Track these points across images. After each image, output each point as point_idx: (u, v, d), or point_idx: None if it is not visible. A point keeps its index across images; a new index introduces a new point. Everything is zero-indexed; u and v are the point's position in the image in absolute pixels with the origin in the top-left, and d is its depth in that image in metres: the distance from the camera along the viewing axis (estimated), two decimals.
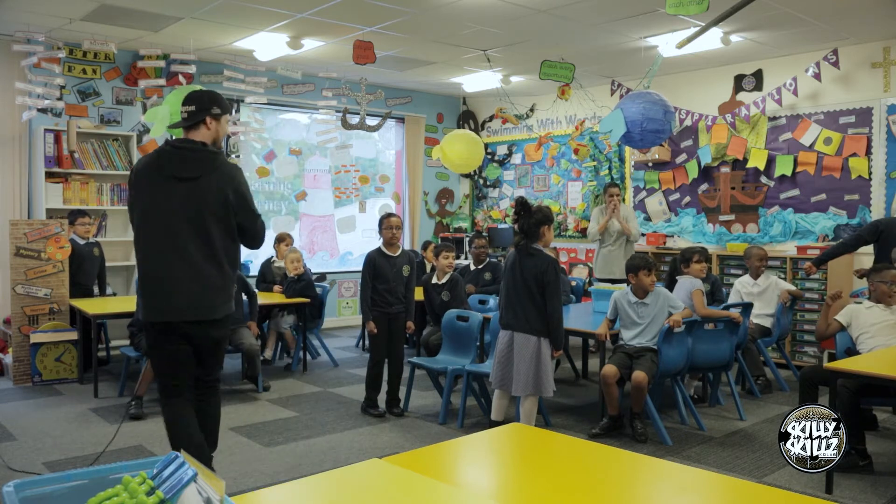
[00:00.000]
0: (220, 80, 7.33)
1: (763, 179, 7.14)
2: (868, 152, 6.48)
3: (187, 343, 3.23)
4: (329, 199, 8.94)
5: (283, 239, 7.00)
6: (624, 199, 8.26)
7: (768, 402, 5.43)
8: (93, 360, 5.60)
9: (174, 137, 3.67)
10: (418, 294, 5.60)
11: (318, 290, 6.73)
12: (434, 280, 5.96)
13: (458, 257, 7.44)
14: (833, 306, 4.54)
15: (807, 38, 6.33)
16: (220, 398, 3.53)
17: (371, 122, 8.12)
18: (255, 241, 3.35)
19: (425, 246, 7.77)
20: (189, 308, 3.15)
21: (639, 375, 4.38)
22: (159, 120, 5.40)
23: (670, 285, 5.28)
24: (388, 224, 5.00)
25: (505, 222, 9.40)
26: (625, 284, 4.92)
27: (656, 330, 4.58)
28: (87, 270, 6.30)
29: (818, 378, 4.20)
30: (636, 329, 4.66)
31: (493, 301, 5.76)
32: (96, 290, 6.43)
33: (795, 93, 6.80)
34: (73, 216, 6.28)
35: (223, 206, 3.15)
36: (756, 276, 5.93)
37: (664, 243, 7.74)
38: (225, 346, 3.47)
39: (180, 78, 6.91)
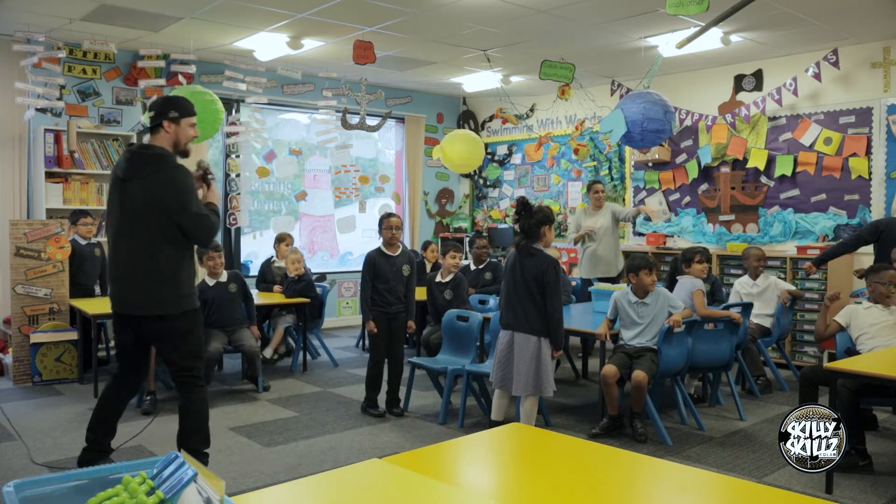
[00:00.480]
0: (220, 80, 7.34)
1: (763, 179, 7.14)
2: (868, 152, 6.48)
3: (134, 334, 3.54)
4: (329, 199, 8.93)
5: (283, 239, 7.00)
6: (624, 200, 8.28)
7: (768, 402, 5.43)
8: (93, 360, 5.60)
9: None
10: (419, 294, 5.60)
11: (318, 290, 6.72)
12: (438, 278, 5.96)
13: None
14: (832, 307, 4.54)
15: (807, 38, 6.33)
16: (205, 396, 3.61)
17: (371, 122, 8.12)
18: (201, 242, 3.51)
19: (425, 246, 7.77)
20: (130, 302, 3.46)
21: (639, 375, 4.38)
22: None
23: (671, 285, 5.28)
24: (387, 224, 5.00)
25: (505, 222, 9.40)
26: (615, 283, 4.93)
27: (656, 330, 4.58)
28: (87, 271, 6.30)
29: (818, 378, 4.20)
30: (636, 329, 4.65)
31: (493, 301, 5.76)
32: (98, 290, 6.43)
33: (795, 93, 6.80)
34: (75, 216, 6.28)
35: (159, 208, 3.33)
36: (755, 276, 5.93)
37: (664, 243, 7.74)
38: (183, 343, 3.51)
39: (180, 78, 6.92)
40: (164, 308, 3.41)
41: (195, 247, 3.66)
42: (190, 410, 3.55)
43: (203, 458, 3.52)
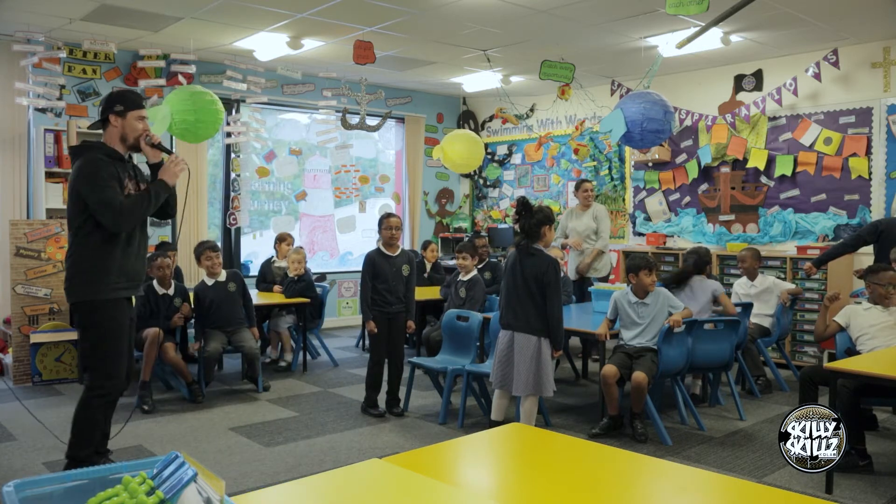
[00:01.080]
0: (220, 80, 7.34)
1: (763, 179, 7.14)
2: (868, 152, 6.48)
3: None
4: (329, 199, 8.94)
5: (283, 238, 7.00)
6: (624, 200, 8.28)
7: (768, 402, 5.43)
8: None
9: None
10: (418, 294, 5.60)
11: (319, 290, 6.72)
12: (460, 276, 5.93)
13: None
14: (831, 307, 4.54)
15: (807, 38, 6.33)
16: (87, 404, 3.42)
17: (371, 122, 8.12)
18: (108, 226, 3.35)
19: (425, 245, 7.77)
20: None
21: (639, 376, 4.38)
22: (159, 120, 5.41)
23: (679, 282, 5.23)
24: (387, 224, 5.01)
25: (505, 222, 9.40)
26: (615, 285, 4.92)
27: (656, 330, 4.58)
28: None
29: (818, 378, 4.19)
30: (636, 329, 4.65)
31: (493, 301, 5.76)
32: None
33: (795, 93, 6.80)
34: None
35: (72, 198, 3.39)
36: (752, 277, 5.94)
37: (664, 243, 7.74)
38: (85, 340, 3.48)
39: (180, 78, 6.92)
40: (72, 295, 3.44)
41: (130, 239, 3.48)
42: (76, 411, 3.47)
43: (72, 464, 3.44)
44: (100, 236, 3.37)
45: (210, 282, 5.62)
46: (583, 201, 6.89)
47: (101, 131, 3.53)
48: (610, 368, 4.46)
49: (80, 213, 3.36)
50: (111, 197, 3.31)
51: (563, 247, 6.88)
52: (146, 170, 3.65)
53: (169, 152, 3.55)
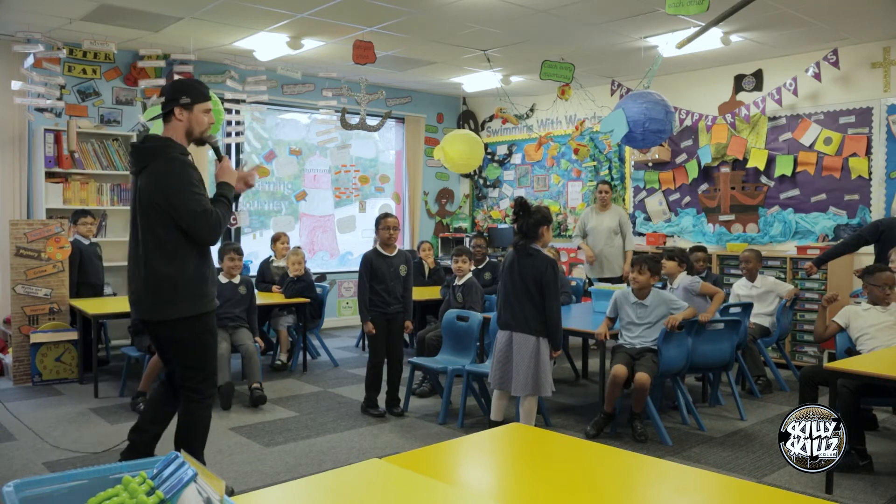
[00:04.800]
0: (220, 80, 7.34)
1: (763, 179, 7.14)
2: (868, 152, 6.48)
3: (152, 338, 3.38)
4: (329, 199, 8.94)
5: (278, 238, 7.01)
6: (624, 200, 8.27)
7: (768, 402, 5.43)
8: (93, 360, 5.60)
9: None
10: (418, 294, 5.59)
11: (318, 290, 6.72)
12: (456, 280, 5.93)
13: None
14: (830, 308, 4.54)
15: (807, 38, 6.33)
16: (198, 413, 3.30)
17: (371, 122, 8.12)
18: (204, 240, 3.12)
19: (419, 246, 7.76)
20: (136, 304, 3.24)
21: (642, 377, 4.38)
22: (159, 120, 5.41)
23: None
24: (384, 224, 5.00)
25: (505, 222, 9.40)
26: (620, 284, 4.93)
27: (657, 330, 4.57)
28: (94, 270, 6.31)
29: (818, 378, 4.19)
30: (637, 330, 4.65)
31: (493, 301, 5.76)
32: (108, 289, 6.44)
33: (795, 93, 6.80)
34: (76, 216, 6.29)
35: (153, 204, 3.07)
36: (752, 278, 5.95)
37: (664, 243, 7.74)
38: (188, 352, 3.24)
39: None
40: (163, 312, 3.15)
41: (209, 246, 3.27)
42: (179, 422, 3.33)
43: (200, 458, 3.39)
44: (191, 246, 3.12)
45: (224, 280, 5.64)
46: (599, 202, 7.08)
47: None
48: (621, 369, 4.44)
49: (167, 222, 3.06)
50: (206, 205, 3.06)
51: (579, 247, 7.17)
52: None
53: (221, 156, 3.32)
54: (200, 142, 3.24)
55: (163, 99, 3.17)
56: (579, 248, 7.26)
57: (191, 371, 3.26)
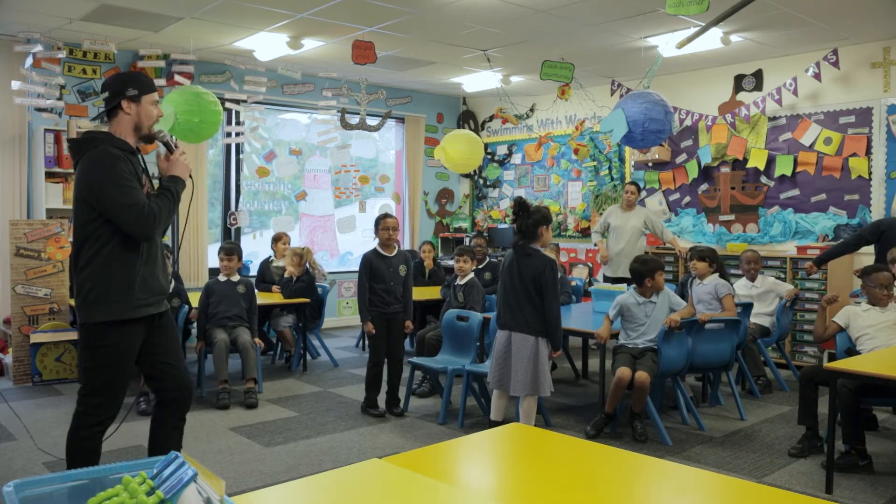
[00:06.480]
0: (220, 80, 7.34)
1: (763, 179, 7.14)
2: (868, 152, 6.48)
3: None
4: (329, 199, 8.94)
5: (279, 238, 7.02)
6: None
7: (768, 402, 5.43)
8: None
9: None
10: (418, 294, 5.59)
11: (319, 289, 6.73)
12: (458, 280, 5.93)
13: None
14: (829, 309, 4.53)
15: (807, 38, 6.33)
16: (74, 433, 2.94)
17: (371, 122, 8.12)
18: (132, 234, 2.84)
19: (421, 246, 7.77)
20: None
21: (642, 376, 4.38)
22: (162, 120, 5.41)
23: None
24: (384, 225, 5.00)
25: (505, 222, 9.40)
26: (622, 284, 4.93)
27: (658, 329, 4.57)
28: None
29: (818, 378, 4.19)
30: (641, 329, 4.65)
31: (493, 301, 5.75)
32: None
33: (795, 93, 6.80)
34: None
35: (78, 198, 2.87)
36: (752, 279, 5.95)
37: (665, 243, 7.73)
38: (84, 358, 2.92)
39: (180, 78, 6.91)
40: (93, 314, 2.86)
41: (148, 246, 2.95)
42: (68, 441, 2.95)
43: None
44: (119, 245, 2.85)
45: (223, 279, 5.66)
46: (625, 202, 7.09)
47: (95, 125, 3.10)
48: (625, 371, 4.43)
49: (92, 218, 2.83)
50: (136, 198, 2.81)
51: (595, 244, 7.31)
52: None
53: (172, 150, 3.08)
54: (149, 139, 3.03)
55: (106, 94, 2.93)
56: (596, 244, 7.33)
57: (86, 383, 2.91)
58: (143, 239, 2.86)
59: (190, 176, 3.10)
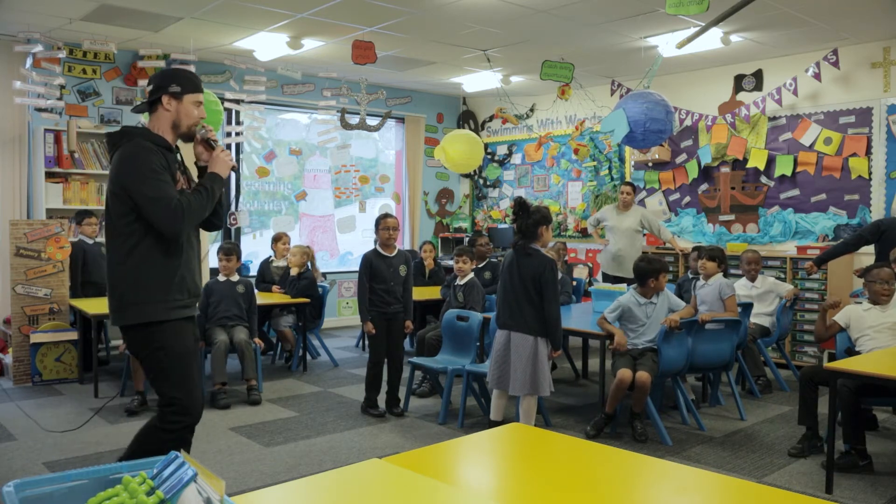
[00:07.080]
0: (220, 80, 7.34)
1: (763, 179, 7.14)
2: (868, 152, 6.48)
3: None
4: (329, 199, 8.94)
5: (279, 238, 7.02)
6: None
7: (768, 402, 5.43)
8: (93, 360, 5.60)
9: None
10: (418, 294, 5.59)
11: (319, 289, 6.73)
12: (457, 280, 5.93)
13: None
14: (830, 313, 4.53)
15: (807, 38, 6.33)
16: (155, 435, 2.77)
17: (371, 122, 8.12)
18: (161, 229, 2.74)
19: (421, 246, 7.77)
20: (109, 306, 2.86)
21: (643, 376, 4.38)
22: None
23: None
24: (384, 225, 5.00)
25: (505, 222, 9.40)
26: (622, 284, 4.93)
27: (657, 329, 4.57)
28: (100, 269, 6.31)
29: (818, 378, 4.19)
30: (641, 329, 4.64)
31: (493, 301, 5.75)
32: None
33: (795, 93, 6.80)
34: (80, 216, 6.29)
35: (110, 192, 2.79)
36: (752, 279, 5.95)
37: (664, 243, 7.73)
38: (148, 361, 2.81)
39: None
40: (125, 317, 2.77)
41: (182, 242, 2.87)
42: (142, 432, 2.84)
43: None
44: (154, 243, 2.76)
45: (222, 279, 5.67)
46: (621, 203, 7.11)
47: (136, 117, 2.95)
48: (627, 373, 4.42)
49: (125, 213, 2.73)
50: (166, 192, 2.72)
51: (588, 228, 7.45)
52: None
53: (213, 148, 2.97)
54: (189, 137, 2.94)
55: (150, 87, 2.88)
56: (590, 233, 7.45)
57: (162, 384, 2.80)
58: (169, 234, 2.76)
59: (233, 169, 3.02)
